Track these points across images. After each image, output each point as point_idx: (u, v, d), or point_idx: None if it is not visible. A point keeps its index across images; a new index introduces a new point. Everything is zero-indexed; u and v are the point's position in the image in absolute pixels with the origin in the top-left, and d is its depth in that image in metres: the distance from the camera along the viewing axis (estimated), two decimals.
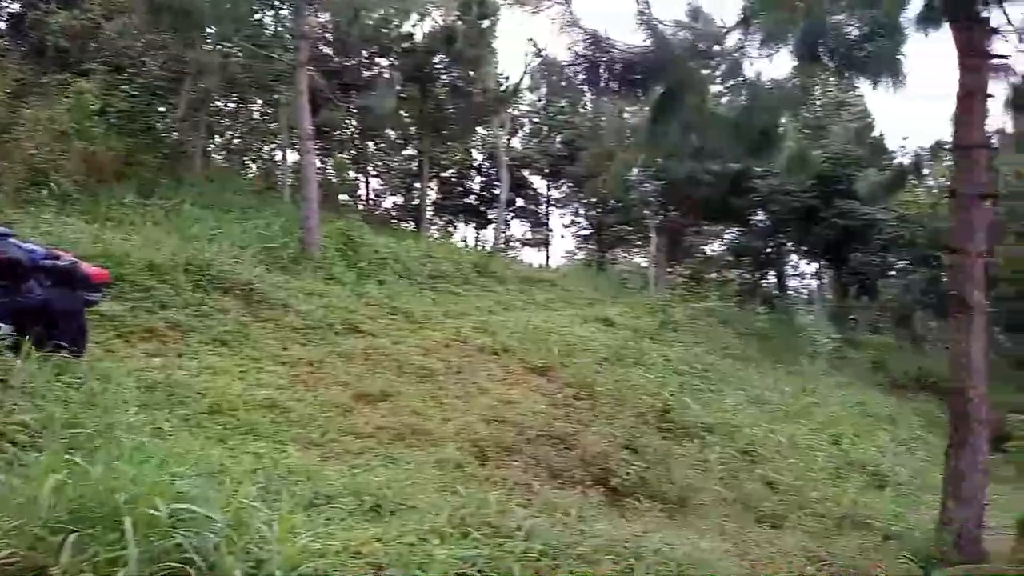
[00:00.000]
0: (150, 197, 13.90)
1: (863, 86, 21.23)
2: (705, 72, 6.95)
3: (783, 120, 8.00)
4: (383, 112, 19.88)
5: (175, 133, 18.21)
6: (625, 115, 20.46)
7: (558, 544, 4.32)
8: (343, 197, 25.26)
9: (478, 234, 30.88)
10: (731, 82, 6.80)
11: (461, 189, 29.81)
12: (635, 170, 20.30)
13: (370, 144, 27.29)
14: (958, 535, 7.01)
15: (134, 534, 2.89)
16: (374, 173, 28.86)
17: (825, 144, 18.59)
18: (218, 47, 16.96)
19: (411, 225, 25.81)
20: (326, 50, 20.85)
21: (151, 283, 9.11)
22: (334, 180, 25.87)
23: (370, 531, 4.03)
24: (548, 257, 31.60)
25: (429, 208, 27.41)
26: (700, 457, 8.98)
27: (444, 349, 10.31)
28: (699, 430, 9.78)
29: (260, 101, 22.81)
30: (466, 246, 26.88)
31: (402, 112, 22.94)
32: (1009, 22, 7.94)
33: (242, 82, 18.82)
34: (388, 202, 30.17)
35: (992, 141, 8.06)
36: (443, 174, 29.09)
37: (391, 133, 26.40)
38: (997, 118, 8.55)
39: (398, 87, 20.80)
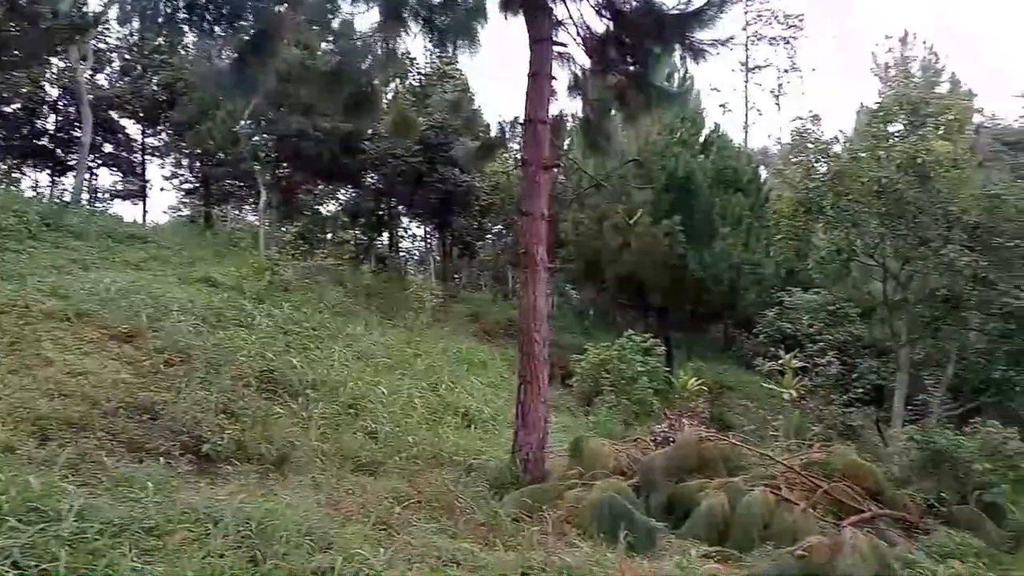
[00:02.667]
0: None
1: (463, 60, 22.86)
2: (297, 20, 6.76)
3: (379, 81, 8.24)
4: None
5: None
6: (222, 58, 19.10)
7: (123, 520, 3.98)
8: None
9: (53, 182, 26.60)
10: (323, 36, 6.71)
11: (29, 129, 25.15)
12: (243, 121, 19.18)
13: None
14: (526, 459, 8.10)
15: None
16: None
17: (430, 112, 19.66)
18: None
19: None
20: None
21: None
22: None
23: None
24: (146, 212, 28.58)
25: None
26: (303, 415, 9.00)
27: None
28: (303, 388, 9.79)
29: None
30: (38, 196, 23.02)
31: None
32: (570, 16, 9.18)
33: None
34: None
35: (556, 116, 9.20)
36: (4, 108, 24.23)
37: None
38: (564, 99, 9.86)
39: None
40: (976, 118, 20.71)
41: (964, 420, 13.03)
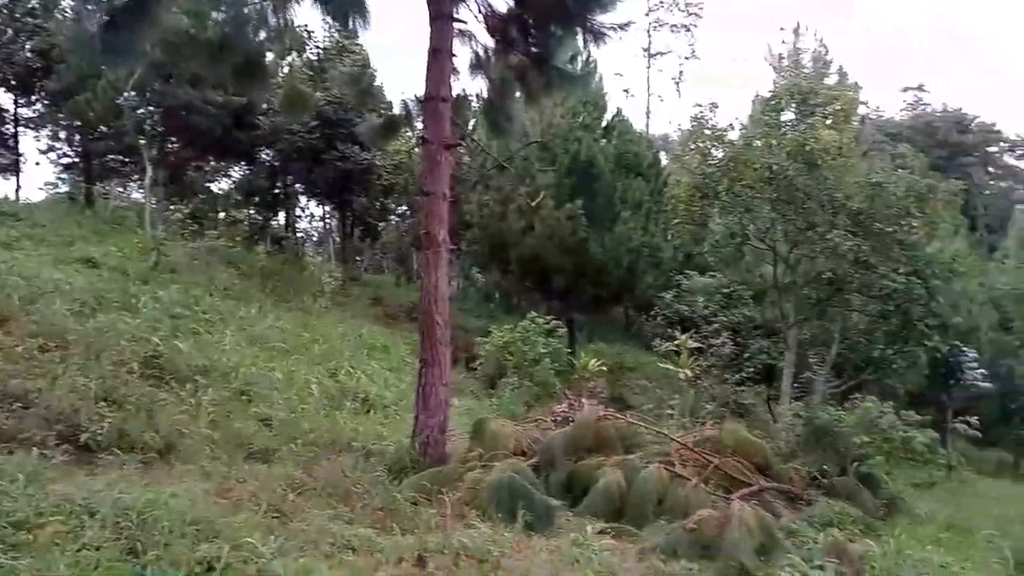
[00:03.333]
0: None
1: (370, 36, 22.31)
2: None
3: (275, 54, 7.89)
4: None
5: None
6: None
7: None
8: None
9: None
10: (214, 4, 6.32)
11: None
12: (126, 92, 18.01)
13: None
14: (426, 443, 8.01)
15: None
16: None
17: (329, 87, 19.06)
18: None
19: None
20: None
21: None
22: None
23: None
24: (19, 188, 26.52)
25: None
26: (192, 401, 8.59)
27: None
28: (192, 373, 9.35)
29: None
30: None
31: None
32: None
33: None
34: None
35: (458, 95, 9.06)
36: None
37: None
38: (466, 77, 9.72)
39: None
40: (861, 109, 21.85)
41: (846, 396, 13.84)
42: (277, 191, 24.23)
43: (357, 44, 20.12)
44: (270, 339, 12.45)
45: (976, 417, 19.55)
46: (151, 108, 19.23)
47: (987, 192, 50.70)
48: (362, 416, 10.59)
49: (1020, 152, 54.73)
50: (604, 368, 16.10)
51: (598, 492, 7.51)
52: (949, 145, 48.43)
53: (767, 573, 6.33)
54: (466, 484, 7.18)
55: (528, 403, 13.48)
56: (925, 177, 17.47)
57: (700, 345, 16.00)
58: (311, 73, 19.56)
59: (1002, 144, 53.71)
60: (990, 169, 53.28)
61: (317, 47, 21.31)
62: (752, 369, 16.85)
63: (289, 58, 19.52)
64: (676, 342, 15.69)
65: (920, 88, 52.26)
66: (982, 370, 19.51)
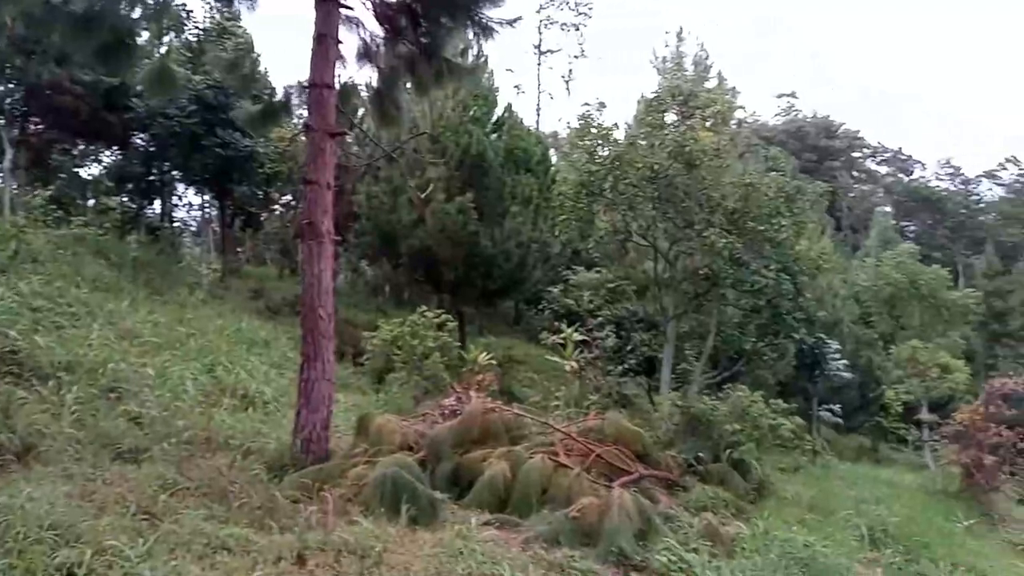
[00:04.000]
0: None
1: (245, 15, 21.38)
2: None
3: (151, 33, 7.46)
4: None
5: None
6: None
7: None
8: None
9: None
10: None
11: None
12: None
13: None
14: (308, 439, 7.83)
15: None
16: None
17: (208, 71, 18.19)
18: None
19: None
20: None
21: None
22: None
23: None
24: None
25: None
26: (55, 400, 8.04)
27: None
28: (55, 370, 8.76)
29: None
30: None
31: None
32: None
33: None
34: None
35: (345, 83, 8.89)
36: None
37: None
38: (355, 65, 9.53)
39: None
40: (738, 113, 22.94)
41: (720, 387, 14.53)
42: (152, 178, 22.90)
43: (239, 26, 19.32)
44: (142, 334, 11.81)
45: (839, 405, 21.03)
46: (11, 86, 17.82)
47: (851, 195, 54.63)
48: (241, 413, 10.21)
49: (881, 158, 59.21)
50: (494, 361, 16.22)
51: (484, 484, 7.58)
52: (817, 150, 51.80)
53: (644, 557, 6.58)
54: (350, 480, 7.09)
55: (417, 398, 13.39)
56: (795, 179, 18.57)
57: (585, 338, 16.40)
58: (189, 55, 18.62)
59: (865, 150, 58.02)
60: (854, 173, 57.43)
61: (197, 27, 20.32)
62: (634, 361, 17.41)
63: (166, 38, 18.51)
64: (562, 335, 16.02)
65: (792, 95, 55.53)
66: (844, 361, 20.92)
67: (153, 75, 7.80)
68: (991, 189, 56.61)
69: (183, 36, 20.11)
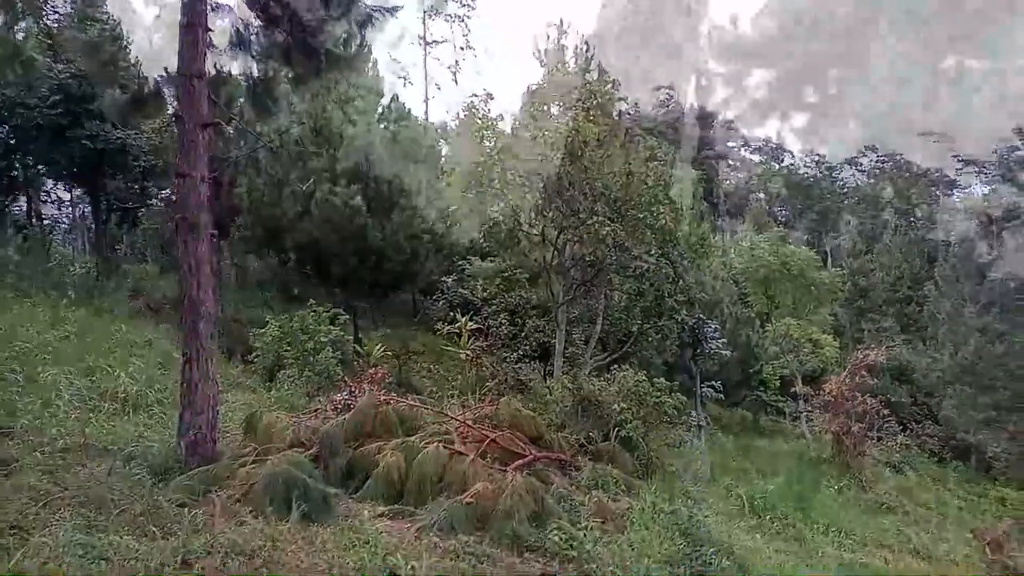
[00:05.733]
0: None
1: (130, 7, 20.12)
2: None
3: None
4: None
5: None
6: None
7: None
8: None
9: None
10: None
11: None
12: None
13: None
14: (193, 441, 7.59)
15: None
16: None
17: (73, 60, 17.09)
18: None
19: None
20: None
21: None
22: None
23: None
24: None
25: None
26: None
27: None
28: None
29: None
30: None
31: None
32: None
33: None
34: None
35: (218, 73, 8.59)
36: None
37: None
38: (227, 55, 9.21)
39: None
40: (620, 105, 23.54)
41: (609, 368, 15.01)
42: (15, 173, 21.29)
43: (105, 13, 18.18)
44: (11, 338, 11.09)
45: (720, 382, 22.09)
46: None
47: (728, 182, 57.40)
48: (122, 418, 9.78)
49: (753, 147, 62.47)
50: (390, 354, 16.13)
51: (379, 476, 7.59)
52: (695, 140, 54.00)
53: (538, 538, 6.79)
54: (238, 481, 6.95)
55: (310, 394, 13.18)
56: (673, 169, 19.32)
57: (480, 326, 16.56)
58: (48, 42, 17.42)
59: (740, 140, 61.09)
60: (730, 162, 60.34)
61: (56, 13, 18.99)
62: (529, 347, 17.72)
63: (22, 24, 17.21)
64: (457, 324, 16.13)
65: (670, 87, 57.58)
66: (723, 340, 21.96)
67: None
68: (853, 175, 61.09)
69: (41, 22, 18.77)
